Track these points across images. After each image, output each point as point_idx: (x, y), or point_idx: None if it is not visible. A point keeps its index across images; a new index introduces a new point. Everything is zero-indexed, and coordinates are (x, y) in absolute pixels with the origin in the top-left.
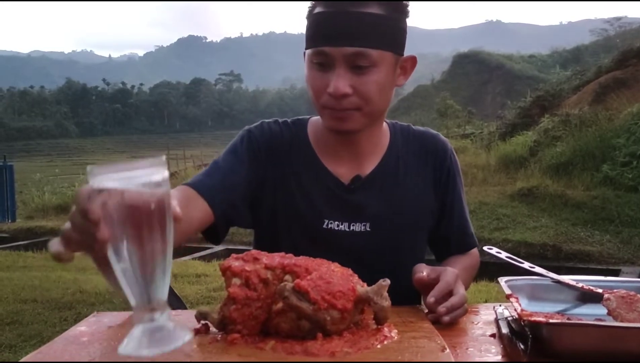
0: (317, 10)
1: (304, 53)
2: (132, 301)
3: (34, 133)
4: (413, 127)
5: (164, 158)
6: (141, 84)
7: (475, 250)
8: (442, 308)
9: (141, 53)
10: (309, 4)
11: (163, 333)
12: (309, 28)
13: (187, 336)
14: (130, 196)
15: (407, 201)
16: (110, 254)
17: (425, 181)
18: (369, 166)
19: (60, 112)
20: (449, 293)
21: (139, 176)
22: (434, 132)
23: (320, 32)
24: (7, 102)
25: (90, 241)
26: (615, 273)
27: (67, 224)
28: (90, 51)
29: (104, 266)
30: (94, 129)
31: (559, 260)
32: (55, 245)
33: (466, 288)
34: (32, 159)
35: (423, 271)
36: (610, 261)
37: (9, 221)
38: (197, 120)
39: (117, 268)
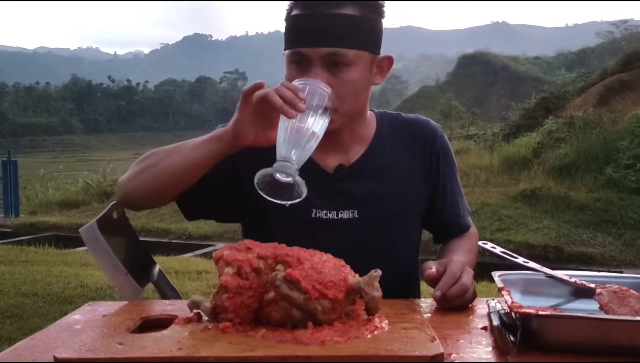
0: (294, 12)
1: (284, 54)
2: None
3: (39, 129)
4: (403, 115)
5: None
6: (146, 82)
7: (472, 229)
8: (437, 292)
9: (147, 51)
10: (286, 6)
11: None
12: (286, 30)
13: (305, 192)
14: (312, 91)
15: (395, 187)
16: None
17: (415, 168)
18: (355, 156)
19: (65, 109)
20: (455, 284)
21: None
22: (424, 118)
23: (298, 33)
24: (12, 98)
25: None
26: None
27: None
28: (96, 47)
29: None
30: (99, 126)
31: (561, 261)
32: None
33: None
34: (36, 155)
35: (432, 267)
36: (613, 263)
37: (12, 216)
38: (201, 118)
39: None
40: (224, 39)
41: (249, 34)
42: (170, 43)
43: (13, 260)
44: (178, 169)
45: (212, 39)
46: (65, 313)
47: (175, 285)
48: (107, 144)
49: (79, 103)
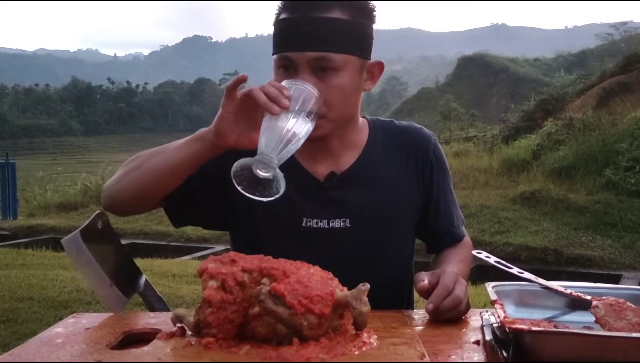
0: (282, 16)
1: (272, 59)
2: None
3: (38, 131)
4: (396, 122)
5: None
6: (146, 83)
7: (467, 238)
8: (429, 304)
9: (146, 52)
10: (275, 10)
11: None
12: (274, 34)
13: (283, 188)
14: (298, 91)
15: (387, 196)
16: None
17: (408, 176)
18: (346, 163)
19: (64, 111)
20: (448, 296)
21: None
22: (417, 126)
23: (285, 38)
24: (11, 100)
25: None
26: (617, 278)
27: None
28: (96, 49)
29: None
30: (99, 128)
31: (560, 264)
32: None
33: (465, 280)
34: (35, 157)
35: (424, 279)
36: (612, 266)
37: (10, 218)
38: (200, 119)
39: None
40: (223, 41)
41: (249, 35)
42: (169, 45)
43: (10, 263)
44: (161, 171)
45: (212, 40)
46: (60, 318)
47: (171, 289)
48: (107, 145)
49: (79, 105)
